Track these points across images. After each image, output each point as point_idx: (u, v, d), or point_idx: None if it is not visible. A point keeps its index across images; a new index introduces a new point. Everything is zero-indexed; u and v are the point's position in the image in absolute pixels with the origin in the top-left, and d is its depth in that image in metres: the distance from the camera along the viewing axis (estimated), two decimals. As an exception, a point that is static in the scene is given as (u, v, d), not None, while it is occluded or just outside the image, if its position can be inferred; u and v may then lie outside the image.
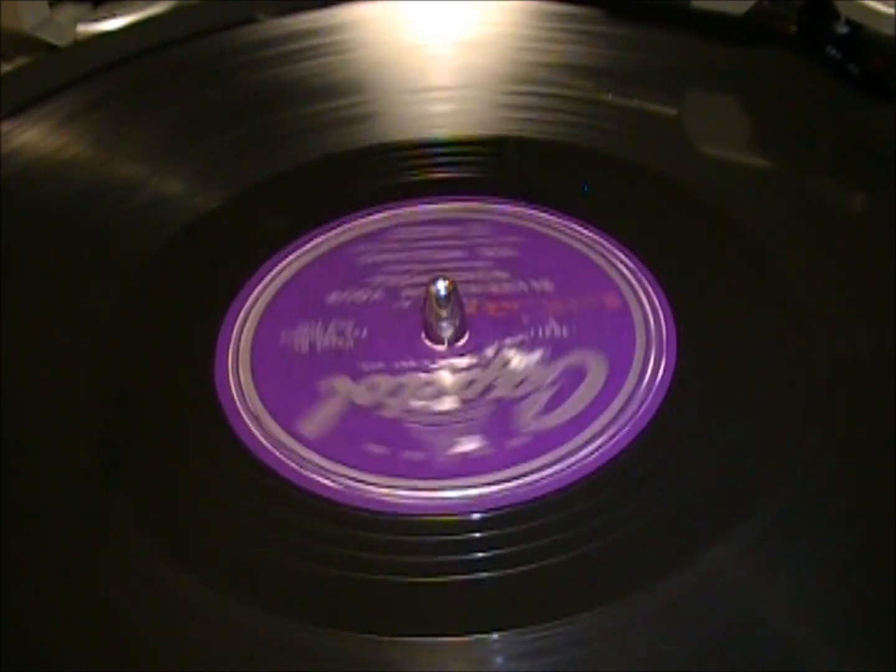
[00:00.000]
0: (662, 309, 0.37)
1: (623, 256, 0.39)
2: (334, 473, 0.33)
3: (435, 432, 0.34)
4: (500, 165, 0.44)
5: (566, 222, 0.41)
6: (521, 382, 0.35)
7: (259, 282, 0.40)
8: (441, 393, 0.35)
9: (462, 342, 0.37)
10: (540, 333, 0.37)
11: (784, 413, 0.34)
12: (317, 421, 0.35)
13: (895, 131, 0.43)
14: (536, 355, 0.36)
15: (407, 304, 0.38)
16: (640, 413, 0.34)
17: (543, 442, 0.33)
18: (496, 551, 0.31)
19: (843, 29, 0.46)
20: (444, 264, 0.39)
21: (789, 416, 0.34)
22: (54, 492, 0.33)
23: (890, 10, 0.43)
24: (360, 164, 0.44)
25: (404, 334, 0.37)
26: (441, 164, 0.44)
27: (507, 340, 0.37)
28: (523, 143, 0.45)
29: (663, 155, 0.43)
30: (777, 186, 0.42)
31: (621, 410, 0.34)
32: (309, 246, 0.41)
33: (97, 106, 0.48)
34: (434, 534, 0.32)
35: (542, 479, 0.32)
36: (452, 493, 0.32)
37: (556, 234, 0.41)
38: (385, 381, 0.36)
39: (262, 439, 0.34)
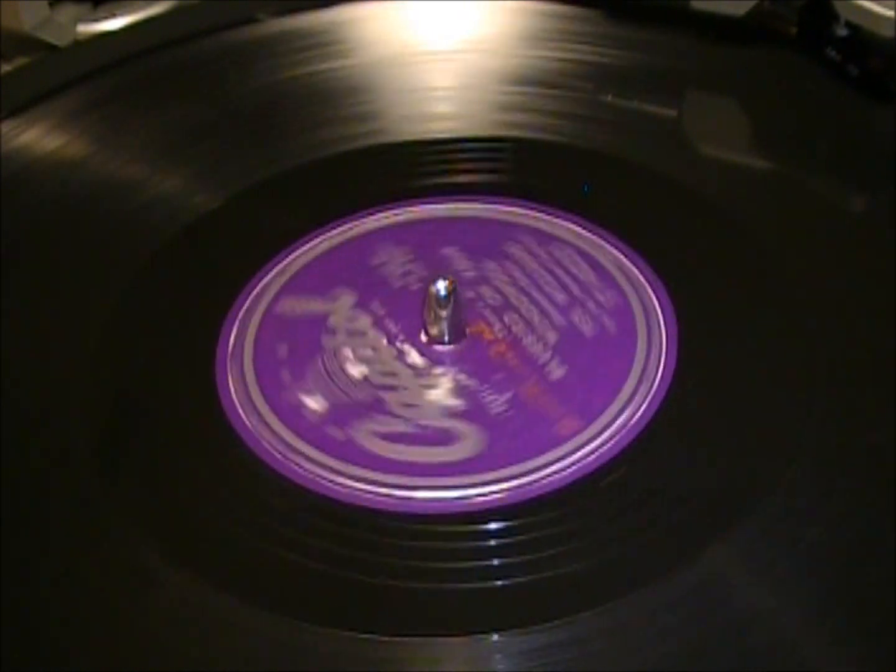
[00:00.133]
0: (663, 308, 0.37)
1: (623, 257, 0.39)
2: (335, 472, 0.33)
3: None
4: (500, 165, 0.44)
5: (566, 222, 0.41)
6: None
7: (259, 282, 0.40)
8: (441, 393, 0.35)
9: (462, 342, 0.37)
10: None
11: (784, 413, 0.34)
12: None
13: (895, 132, 0.43)
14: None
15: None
16: (640, 413, 0.34)
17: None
18: (496, 552, 0.31)
19: (842, 31, 0.46)
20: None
21: (789, 416, 0.34)
22: (54, 492, 0.33)
23: (889, 13, 0.43)
24: (360, 164, 0.44)
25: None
26: (441, 165, 0.44)
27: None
28: (523, 143, 0.45)
29: (663, 155, 0.43)
30: (777, 187, 0.42)
31: (621, 410, 0.34)
32: (308, 246, 0.41)
33: (97, 106, 0.48)
34: (434, 534, 0.32)
35: (542, 479, 0.32)
36: (452, 494, 0.32)
37: (556, 234, 0.41)
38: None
39: (262, 439, 0.34)
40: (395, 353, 0.37)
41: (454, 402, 0.35)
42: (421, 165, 0.44)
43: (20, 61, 0.54)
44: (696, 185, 0.42)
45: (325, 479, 0.33)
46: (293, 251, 0.41)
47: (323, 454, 0.34)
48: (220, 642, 0.29)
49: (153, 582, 0.31)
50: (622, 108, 0.46)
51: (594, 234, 0.40)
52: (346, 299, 0.39)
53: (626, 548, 0.31)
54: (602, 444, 0.33)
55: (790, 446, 0.33)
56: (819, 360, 0.35)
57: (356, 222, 0.42)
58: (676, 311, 0.37)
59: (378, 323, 0.38)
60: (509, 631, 0.29)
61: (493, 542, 0.31)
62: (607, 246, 0.40)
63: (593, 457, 0.33)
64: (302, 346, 0.37)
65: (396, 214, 0.42)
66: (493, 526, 0.31)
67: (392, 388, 0.36)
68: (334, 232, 0.41)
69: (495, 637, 0.29)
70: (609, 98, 0.46)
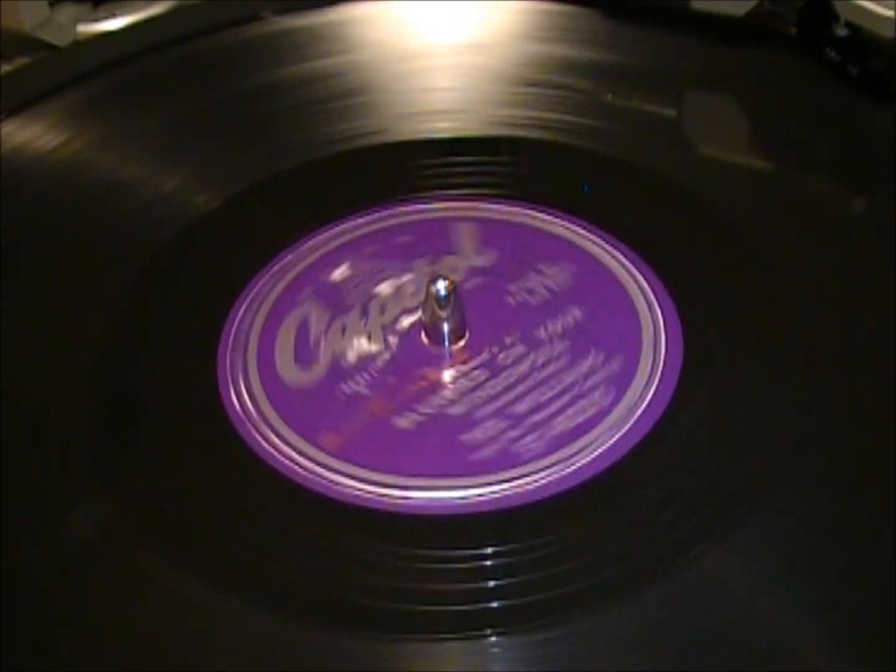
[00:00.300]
0: (664, 308, 0.37)
1: (623, 257, 0.39)
2: (336, 473, 0.33)
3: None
4: (500, 165, 0.44)
5: (566, 222, 0.41)
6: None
7: (259, 281, 0.40)
8: (441, 394, 0.35)
9: (462, 342, 0.37)
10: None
11: (784, 413, 0.34)
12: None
13: (895, 132, 0.43)
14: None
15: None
16: (641, 414, 0.34)
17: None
18: (496, 552, 0.31)
19: (842, 31, 0.46)
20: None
21: (789, 417, 0.34)
22: (54, 491, 0.33)
23: (889, 13, 0.43)
24: (360, 164, 0.44)
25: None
26: (441, 165, 0.44)
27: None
28: (522, 143, 0.45)
29: (663, 155, 0.43)
30: (777, 187, 0.42)
31: (622, 410, 0.34)
32: (308, 245, 0.41)
33: (97, 106, 0.48)
34: (434, 534, 0.32)
35: (544, 480, 0.32)
36: (452, 494, 0.32)
37: (556, 234, 0.41)
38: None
39: (262, 439, 0.34)
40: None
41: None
42: (420, 166, 0.44)
43: (20, 61, 0.54)
44: (696, 185, 0.42)
45: (325, 479, 0.33)
46: (293, 251, 0.41)
47: (324, 454, 0.34)
48: (220, 642, 0.29)
49: (153, 582, 0.31)
50: (622, 108, 0.46)
51: (594, 233, 0.40)
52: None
53: (626, 548, 0.31)
54: (603, 444, 0.33)
55: (790, 447, 0.33)
56: (819, 360, 0.35)
57: (355, 222, 0.42)
58: (677, 311, 0.37)
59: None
60: (509, 631, 0.29)
61: (492, 544, 0.31)
62: (607, 245, 0.40)
63: (594, 456, 0.33)
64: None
65: (396, 214, 0.42)
66: (493, 527, 0.31)
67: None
68: (334, 231, 0.41)
69: (495, 638, 0.29)
70: (609, 98, 0.46)
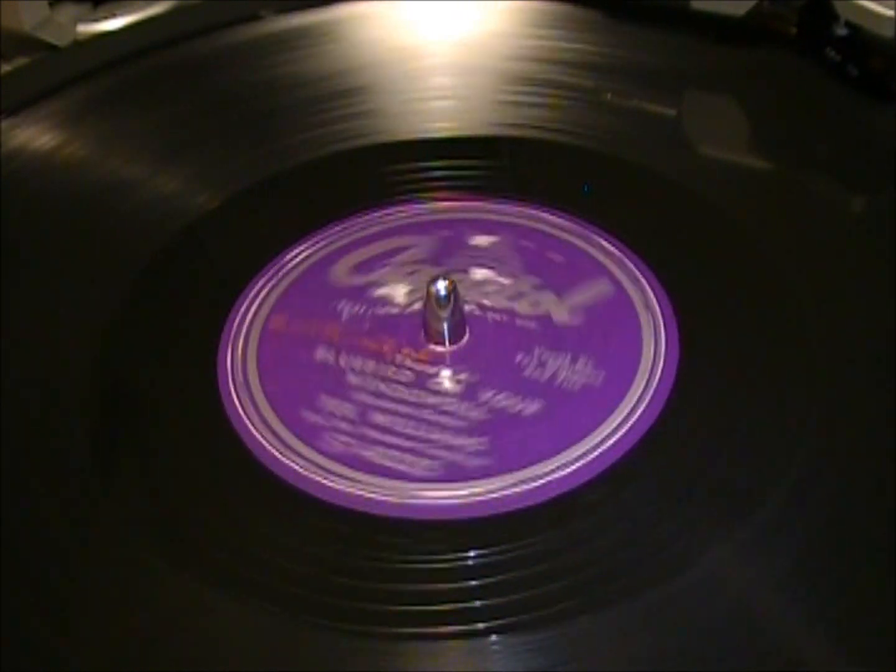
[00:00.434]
0: (663, 308, 0.37)
1: (623, 256, 0.39)
2: (335, 474, 0.33)
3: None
4: (499, 165, 0.44)
5: (566, 222, 0.41)
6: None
7: (259, 281, 0.40)
8: (441, 394, 0.35)
9: (462, 343, 0.37)
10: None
11: (784, 413, 0.34)
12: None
13: (895, 132, 0.43)
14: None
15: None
16: (640, 414, 0.34)
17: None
18: (496, 552, 0.31)
19: (842, 30, 0.46)
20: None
21: (789, 416, 0.34)
22: (54, 491, 0.33)
23: (889, 13, 0.43)
24: (360, 164, 0.44)
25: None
26: (441, 164, 0.44)
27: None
28: (522, 143, 0.45)
29: (663, 155, 0.43)
30: (777, 187, 0.42)
31: (622, 412, 0.34)
32: (308, 245, 0.41)
33: (97, 106, 0.48)
34: (434, 535, 0.32)
35: (543, 481, 0.32)
36: (452, 494, 0.32)
37: (556, 234, 0.41)
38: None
39: (262, 439, 0.34)
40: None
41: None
42: (420, 167, 0.44)
43: (20, 61, 0.54)
44: (696, 185, 0.42)
45: (325, 479, 0.33)
46: (293, 251, 0.41)
47: (322, 456, 0.34)
48: (219, 642, 0.29)
49: (152, 582, 0.31)
50: (622, 107, 0.46)
51: (594, 233, 0.40)
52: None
53: (626, 548, 0.31)
54: (603, 445, 0.33)
55: (790, 447, 0.33)
56: (819, 360, 0.35)
57: (355, 222, 0.42)
58: (676, 311, 0.37)
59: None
60: (509, 632, 0.29)
61: (492, 544, 0.31)
62: (607, 245, 0.40)
63: (594, 457, 0.33)
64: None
65: (396, 214, 0.42)
66: (493, 528, 0.31)
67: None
68: (334, 231, 0.41)
69: (495, 638, 0.29)
70: (608, 97, 0.46)
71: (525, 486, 0.32)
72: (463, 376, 0.36)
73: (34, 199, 0.43)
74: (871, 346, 0.35)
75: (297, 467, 0.33)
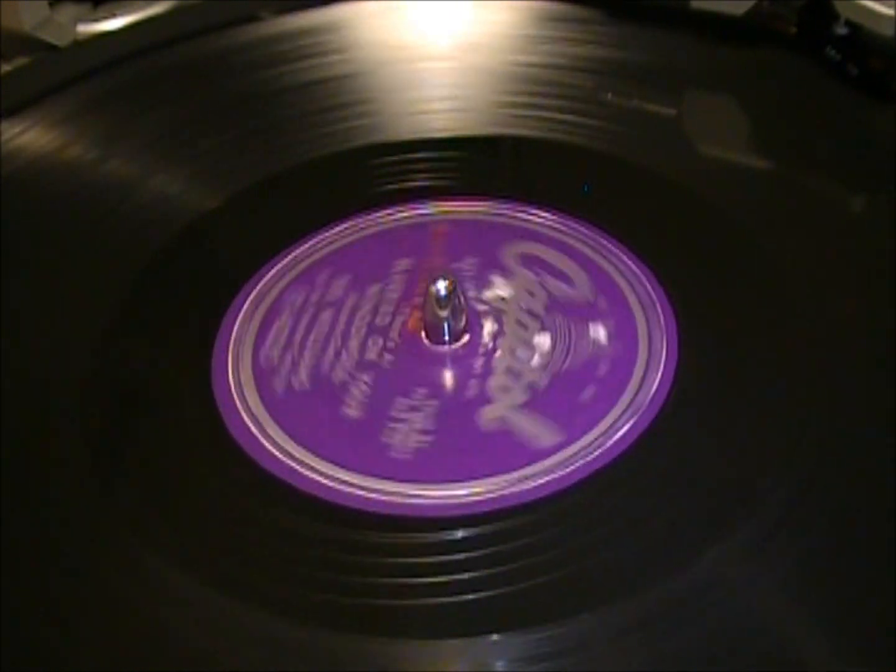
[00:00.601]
0: (662, 308, 0.37)
1: (623, 256, 0.39)
2: (332, 475, 0.33)
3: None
4: (499, 165, 0.44)
5: (566, 222, 0.41)
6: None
7: (259, 281, 0.40)
8: (441, 394, 0.35)
9: (462, 342, 0.37)
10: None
11: (784, 413, 0.34)
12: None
13: (895, 131, 0.43)
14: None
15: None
16: (640, 413, 0.34)
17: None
18: (496, 552, 0.31)
19: (842, 30, 0.46)
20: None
21: (789, 416, 0.34)
22: (53, 491, 0.33)
23: (889, 12, 0.43)
24: (360, 164, 0.44)
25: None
26: (441, 165, 0.44)
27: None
28: (522, 143, 0.45)
29: (663, 155, 0.43)
30: (777, 186, 0.42)
31: (622, 411, 0.34)
32: (308, 245, 0.41)
33: (97, 106, 0.48)
34: (434, 534, 0.32)
35: (542, 480, 0.32)
36: (452, 493, 0.32)
37: (556, 235, 0.41)
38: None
39: (261, 439, 0.34)
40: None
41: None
42: (420, 167, 0.44)
43: (20, 61, 0.54)
44: (696, 185, 0.42)
45: (323, 480, 0.33)
46: (293, 251, 0.41)
47: (318, 458, 0.34)
48: (219, 643, 0.29)
49: (151, 582, 0.31)
50: (621, 107, 0.46)
51: (594, 233, 0.40)
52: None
53: (626, 548, 0.31)
54: (603, 444, 0.33)
55: (790, 447, 0.33)
56: (819, 360, 0.35)
57: (355, 221, 0.42)
58: (676, 311, 0.37)
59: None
60: (509, 632, 0.29)
61: (492, 543, 0.31)
62: (607, 245, 0.40)
63: (593, 456, 0.33)
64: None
65: (395, 214, 0.42)
66: (492, 527, 0.31)
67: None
68: (334, 231, 0.41)
69: (495, 638, 0.29)
70: (608, 97, 0.46)
71: (523, 486, 0.32)
72: (463, 376, 0.36)
73: (34, 199, 0.43)
74: (871, 346, 0.35)
75: (297, 467, 0.33)
